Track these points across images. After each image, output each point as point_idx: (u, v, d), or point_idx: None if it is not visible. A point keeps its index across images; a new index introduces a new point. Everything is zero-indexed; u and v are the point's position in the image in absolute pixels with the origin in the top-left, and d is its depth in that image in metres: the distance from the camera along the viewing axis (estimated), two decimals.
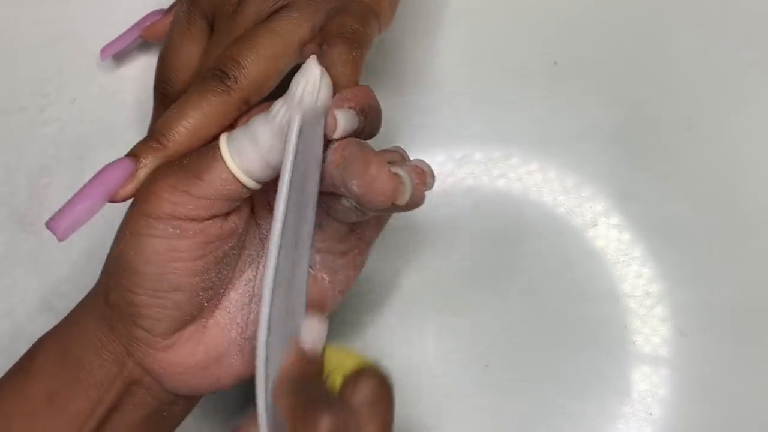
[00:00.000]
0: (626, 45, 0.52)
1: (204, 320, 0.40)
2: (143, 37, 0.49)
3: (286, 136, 0.35)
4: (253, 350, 0.40)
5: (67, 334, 0.41)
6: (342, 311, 0.49)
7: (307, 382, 0.36)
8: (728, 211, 0.50)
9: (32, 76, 0.53)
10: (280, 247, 0.35)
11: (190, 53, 0.44)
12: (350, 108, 0.37)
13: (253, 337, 0.40)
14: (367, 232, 0.42)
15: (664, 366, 0.48)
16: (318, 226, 0.40)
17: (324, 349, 0.37)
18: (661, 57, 0.52)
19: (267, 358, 0.35)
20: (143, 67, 0.52)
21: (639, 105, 0.51)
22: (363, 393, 0.35)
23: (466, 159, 0.50)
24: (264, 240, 0.41)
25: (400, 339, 0.50)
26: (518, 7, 0.52)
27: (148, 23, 0.49)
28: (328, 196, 0.39)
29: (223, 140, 0.37)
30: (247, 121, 0.39)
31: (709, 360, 0.49)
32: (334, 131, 0.37)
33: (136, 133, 0.51)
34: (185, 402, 0.42)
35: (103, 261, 0.43)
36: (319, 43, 0.40)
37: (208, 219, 0.37)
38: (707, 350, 0.49)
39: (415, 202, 0.37)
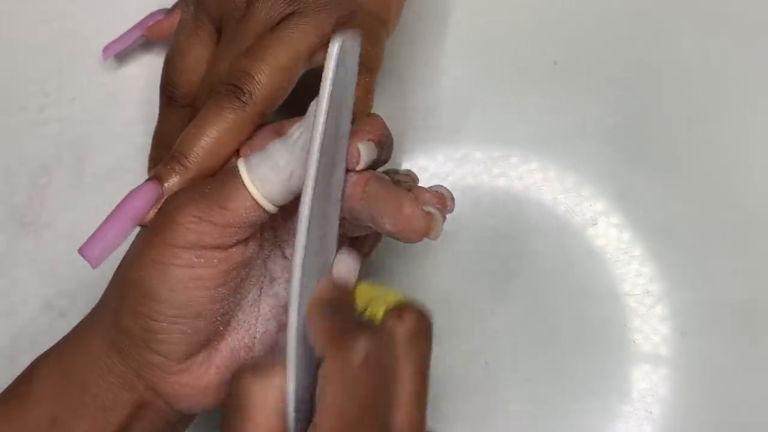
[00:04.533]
0: (626, 45, 0.52)
1: (216, 343, 0.40)
2: (146, 36, 0.49)
3: (325, 65, 0.34)
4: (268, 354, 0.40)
5: (70, 358, 0.40)
6: None
7: (341, 308, 0.36)
8: (728, 211, 0.50)
9: (33, 76, 0.53)
10: (315, 185, 0.35)
11: (197, 56, 0.45)
12: (370, 140, 0.38)
13: (261, 356, 0.40)
14: (366, 245, 0.43)
15: (664, 365, 0.48)
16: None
17: (364, 283, 0.37)
18: (661, 57, 0.52)
19: (301, 281, 0.35)
20: (145, 67, 0.52)
21: (639, 104, 0.51)
22: (405, 325, 0.34)
23: (467, 158, 0.50)
24: (266, 261, 0.41)
25: None
26: (518, 7, 0.52)
27: (151, 22, 0.49)
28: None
29: (242, 168, 0.37)
30: (258, 140, 0.40)
31: (709, 359, 0.49)
32: (357, 163, 0.37)
33: (137, 133, 0.51)
34: (190, 418, 0.42)
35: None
36: None
37: (231, 247, 0.38)
38: (707, 350, 0.49)
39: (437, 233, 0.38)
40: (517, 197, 0.50)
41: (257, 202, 0.37)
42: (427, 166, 0.50)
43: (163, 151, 0.46)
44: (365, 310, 0.36)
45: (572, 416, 0.48)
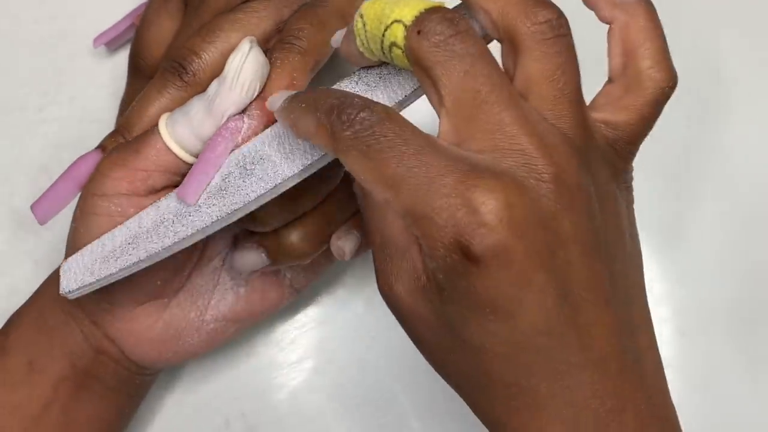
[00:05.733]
0: None
1: (166, 300, 0.42)
2: (136, 25, 0.49)
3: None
4: (210, 331, 0.43)
5: (41, 307, 0.43)
6: (343, 307, 0.49)
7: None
8: (728, 211, 0.50)
9: (32, 75, 0.53)
10: None
11: (165, 29, 0.45)
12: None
13: (212, 321, 0.43)
14: (300, 281, 0.45)
15: (664, 365, 0.48)
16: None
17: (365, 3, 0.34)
18: None
19: None
20: None
21: None
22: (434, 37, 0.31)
23: None
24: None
25: (399, 337, 0.50)
26: None
27: (141, 12, 0.49)
28: None
29: (163, 116, 0.39)
30: None
31: (709, 360, 0.49)
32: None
33: None
34: (152, 375, 0.45)
35: None
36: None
37: (145, 195, 0.39)
38: (707, 350, 0.49)
39: None
40: None
41: (166, 145, 0.38)
42: None
43: None
44: (381, 29, 0.32)
45: None
